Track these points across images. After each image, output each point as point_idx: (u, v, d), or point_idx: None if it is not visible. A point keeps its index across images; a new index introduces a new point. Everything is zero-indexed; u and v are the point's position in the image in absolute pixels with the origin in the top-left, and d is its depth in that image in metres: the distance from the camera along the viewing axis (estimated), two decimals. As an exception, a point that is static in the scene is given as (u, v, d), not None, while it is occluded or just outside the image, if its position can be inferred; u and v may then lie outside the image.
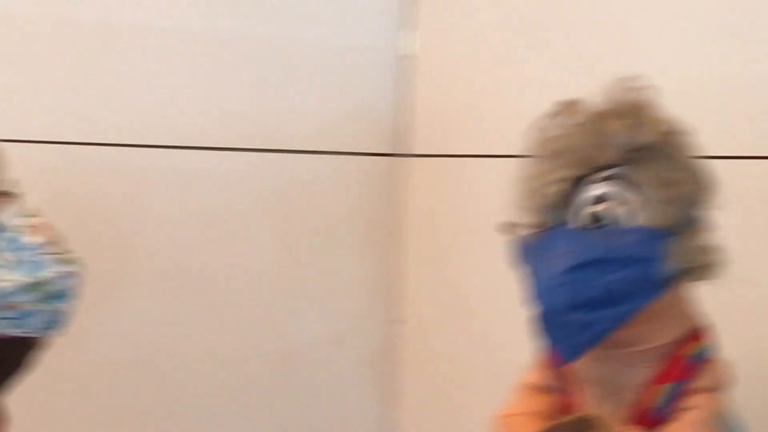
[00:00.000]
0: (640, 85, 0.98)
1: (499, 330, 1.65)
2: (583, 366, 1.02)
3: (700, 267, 0.97)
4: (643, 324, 0.98)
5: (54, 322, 1.15)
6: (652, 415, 1.00)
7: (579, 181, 0.98)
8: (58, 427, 1.61)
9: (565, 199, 0.99)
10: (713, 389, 0.99)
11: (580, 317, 0.96)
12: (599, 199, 0.97)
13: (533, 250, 1.00)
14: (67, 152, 1.57)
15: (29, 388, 1.23)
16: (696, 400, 0.98)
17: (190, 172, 1.67)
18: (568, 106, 1.00)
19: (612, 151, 0.96)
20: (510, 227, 1.02)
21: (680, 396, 0.99)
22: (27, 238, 1.14)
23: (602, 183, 0.97)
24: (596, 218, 0.97)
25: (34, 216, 1.17)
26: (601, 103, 0.99)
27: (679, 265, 0.95)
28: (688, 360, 0.99)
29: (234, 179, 1.70)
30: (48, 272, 1.13)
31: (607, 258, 0.95)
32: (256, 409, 1.76)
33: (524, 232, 1.01)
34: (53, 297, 1.14)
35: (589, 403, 1.04)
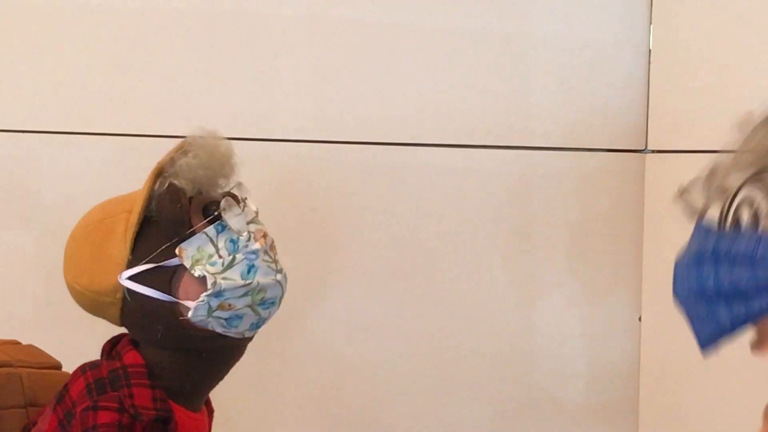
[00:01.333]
0: None
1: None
2: None
3: None
4: None
5: (257, 327, 1.21)
6: None
7: (750, 180, 0.94)
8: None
9: (722, 195, 0.96)
10: None
11: (698, 309, 0.95)
12: (741, 201, 0.94)
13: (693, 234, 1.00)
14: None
15: (234, 387, 1.29)
16: None
17: (436, 168, 1.75)
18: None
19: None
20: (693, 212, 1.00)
21: None
22: (248, 242, 1.19)
23: (751, 186, 0.94)
24: (736, 218, 0.94)
25: (255, 220, 1.22)
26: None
27: None
28: None
29: (478, 176, 1.76)
30: (262, 278, 1.19)
31: (729, 255, 0.93)
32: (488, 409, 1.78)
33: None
34: (262, 303, 1.19)
35: None
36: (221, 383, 1.24)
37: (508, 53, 1.77)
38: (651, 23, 1.75)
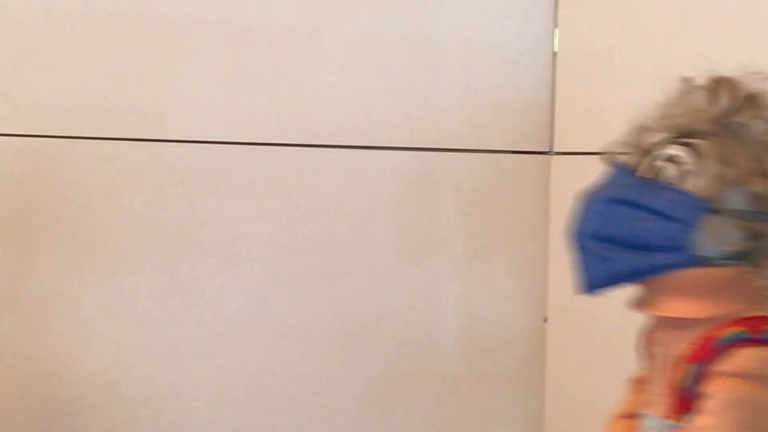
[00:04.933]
0: (761, 73, 1.02)
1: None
2: (645, 334, 1.06)
3: (748, 254, 0.98)
4: (677, 292, 0.99)
5: None
6: (685, 395, 0.99)
7: (666, 141, 1.01)
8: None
9: (646, 151, 1.02)
10: (737, 375, 0.95)
11: (600, 249, 0.99)
12: (665, 158, 1.00)
13: (599, 180, 1.06)
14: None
15: None
16: (714, 387, 0.96)
17: (344, 170, 1.75)
18: (686, 80, 1.04)
19: (699, 121, 0.99)
20: (608, 158, 1.07)
21: (702, 378, 0.97)
22: None
23: (677, 146, 0.99)
24: (655, 173, 1.00)
25: None
26: (709, 79, 1.03)
27: (717, 244, 0.96)
28: (717, 342, 0.97)
29: (383, 177, 1.76)
30: None
31: (642, 205, 0.98)
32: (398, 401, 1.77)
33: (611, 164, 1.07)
34: None
35: (647, 377, 1.07)
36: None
37: (414, 55, 1.76)
38: (556, 26, 1.75)
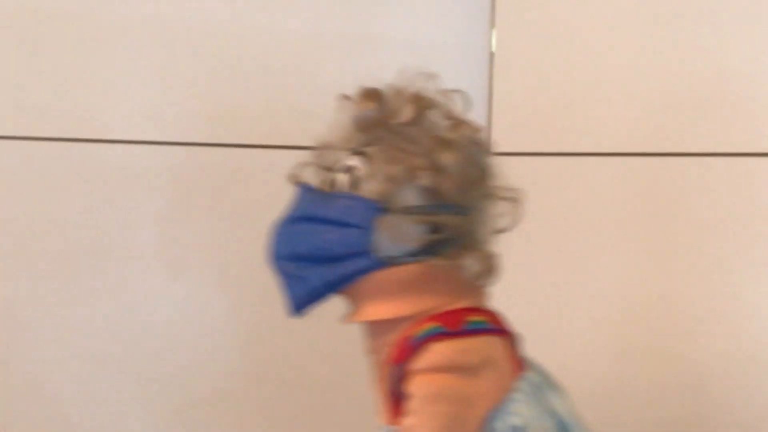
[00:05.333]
0: (425, 76, 1.06)
1: (587, 328, 1.67)
2: (364, 345, 1.06)
3: (434, 248, 1.00)
4: (370, 297, 1.01)
5: None
6: (395, 399, 1.00)
7: (344, 155, 1.04)
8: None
9: (329, 168, 1.06)
10: (431, 370, 0.97)
11: (293, 269, 1.02)
12: (341, 170, 1.03)
13: (294, 198, 1.07)
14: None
15: None
16: (413, 385, 0.98)
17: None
18: (361, 92, 1.07)
19: (364, 127, 1.03)
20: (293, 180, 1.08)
21: (402, 378, 0.98)
22: None
23: (352, 157, 1.03)
24: (332, 185, 1.03)
25: None
26: (375, 87, 1.06)
27: (398, 242, 0.99)
28: (412, 341, 0.98)
29: None
30: None
31: (319, 217, 1.01)
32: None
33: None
34: None
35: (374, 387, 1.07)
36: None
37: (349, 54, 1.76)
38: (493, 26, 1.76)
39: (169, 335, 1.70)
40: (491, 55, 1.77)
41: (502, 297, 1.74)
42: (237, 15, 1.71)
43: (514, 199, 1.09)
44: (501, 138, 1.77)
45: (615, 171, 1.64)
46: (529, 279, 1.73)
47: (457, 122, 1.06)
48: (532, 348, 1.71)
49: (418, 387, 0.98)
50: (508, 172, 1.73)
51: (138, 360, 1.69)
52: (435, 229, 1.02)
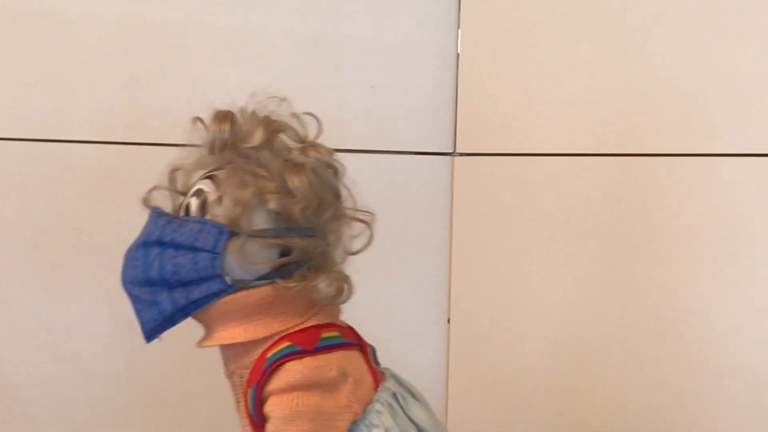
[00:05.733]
0: (278, 98, 1.08)
1: (545, 329, 1.67)
2: (224, 370, 1.06)
3: (285, 270, 1.01)
4: (223, 320, 1.01)
5: None
6: (255, 422, 1.00)
7: (197, 179, 1.04)
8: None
9: (181, 192, 1.06)
10: (285, 390, 0.97)
11: (144, 294, 1.00)
12: (192, 194, 1.02)
13: (146, 222, 1.06)
14: None
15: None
16: (269, 406, 0.98)
17: None
18: (213, 115, 1.06)
19: (214, 150, 1.02)
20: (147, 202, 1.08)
21: (259, 401, 0.99)
22: None
23: (203, 181, 1.02)
24: (185, 209, 1.02)
25: None
26: (228, 110, 1.05)
27: (247, 266, 0.99)
28: (266, 362, 0.99)
29: None
30: None
31: (170, 242, 0.99)
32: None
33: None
34: None
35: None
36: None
37: (315, 54, 1.76)
38: (459, 27, 1.77)
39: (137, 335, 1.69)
40: (457, 56, 1.78)
41: (463, 296, 1.77)
42: (204, 13, 1.70)
43: (367, 221, 1.10)
44: (466, 138, 1.79)
45: (578, 171, 1.65)
46: (491, 278, 1.74)
47: (308, 145, 1.06)
48: (498, 343, 1.73)
49: (276, 408, 0.98)
50: (473, 172, 1.76)
51: (105, 359, 1.68)
52: (285, 251, 1.02)
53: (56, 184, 1.63)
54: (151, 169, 1.10)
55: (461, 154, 1.78)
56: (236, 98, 1.10)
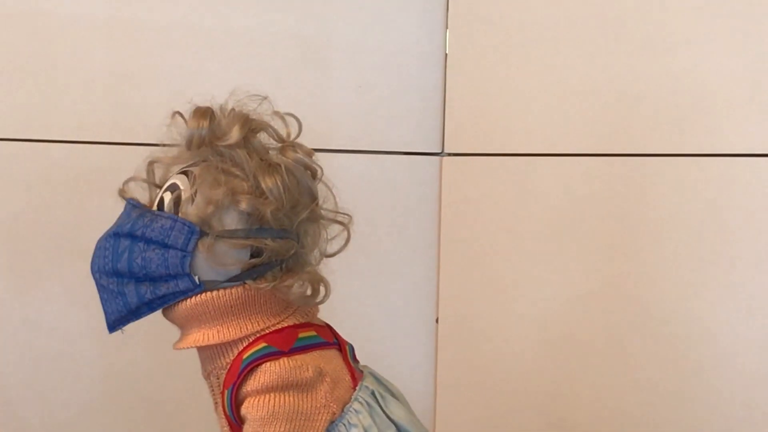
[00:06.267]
0: (259, 96, 1.07)
1: (534, 329, 1.67)
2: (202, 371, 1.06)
3: (257, 271, 1.00)
4: (194, 321, 1.00)
5: None
6: (233, 423, 1.01)
7: (173, 173, 1.04)
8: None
9: (157, 185, 1.06)
10: (261, 392, 0.97)
11: (111, 284, 1.00)
12: (167, 188, 1.02)
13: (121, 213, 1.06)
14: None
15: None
16: (245, 408, 0.98)
17: None
18: (193, 110, 1.06)
19: (192, 146, 1.02)
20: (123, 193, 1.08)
21: (236, 402, 0.99)
22: None
23: (178, 176, 1.02)
24: (159, 204, 1.02)
25: None
26: (208, 106, 1.05)
27: (218, 266, 0.99)
28: (242, 364, 0.99)
29: None
30: None
31: (140, 235, 0.99)
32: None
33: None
34: None
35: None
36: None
37: (303, 55, 1.75)
38: (447, 28, 1.77)
39: (120, 335, 1.69)
40: (445, 56, 1.78)
41: (451, 296, 1.77)
42: (191, 13, 1.70)
43: (344, 222, 1.09)
44: (454, 139, 1.79)
45: (566, 172, 1.65)
46: (479, 278, 1.74)
47: (286, 146, 1.06)
48: (486, 342, 1.73)
49: (252, 409, 0.98)
50: (461, 172, 1.76)
51: (90, 359, 1.68)
52: (257, 252, 1.02)
53: (40, 184, 1.63)
54: (127, 169, 1.10)
55: (449, 154, 1.78)
56: (198, 101, 1.09)
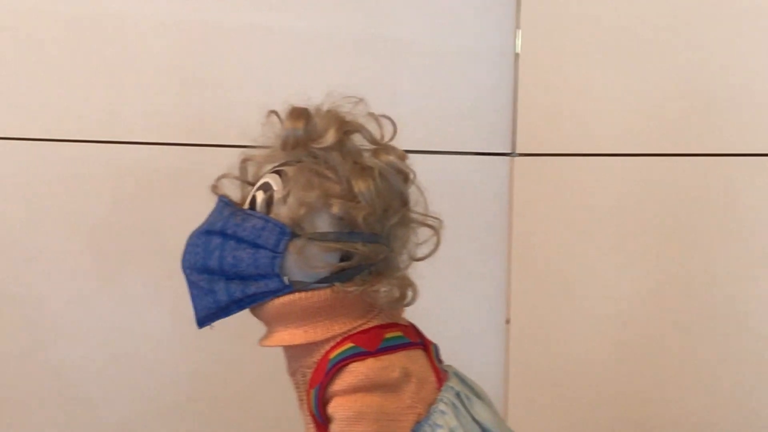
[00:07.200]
0: (354, 98, 1.07)
1: (605, 330, 1.66)
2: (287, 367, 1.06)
3: (344, 274, 1.00)
4: (282, 321, 1.01)
5: None
6: (319, 422, 1.01)
7: (265, 171, 1.04)
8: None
9: (249, 183, 1.06)
10: (348, 392, 0.97)
11: (201, 281, 1.01)
12: (259, 187, 1.02)
13: (213, 209, 1.07)
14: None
15: None
16: (332, 407, 0.98)
17: None
18: (289, 110, 1.05)
19: (287, 146, 1.01)
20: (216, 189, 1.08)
21: (322, 402, 0.99)
22: None
23: (271, 175, 1.02)
24: (251, 202, 1.02)
25: None
26: (304, 107, 1.05)
27: (307, 268, 0.99)
28: (329, 364, 0.98)
29: None
30: None
31: (232, 234, 1.00)
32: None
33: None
34: None
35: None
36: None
37: (374, 56, 1.76)
38: (518, 27, 1.76)
39: (190, 335, 1.71)
40: (516, 56, 1.77)
41: (522, 297, 1.76)
42: (260, 16, 1.71)
43: (434, 226, 1.08)
44: (525, 139, 1.78)
45: (639, 171, 1.64)
46: (550, 278, 1.73)
47: (380, 148, 1.05)
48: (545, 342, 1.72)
49: (339, 409, 0.98)
50: (532, 173, 1.76)
51: (164, 359, 1.70)
52: (346, 256, 1.01)
53: (116, 185, 1.65)
54: (210, 170, 1.11)
55: (520, 155, 1.77)
56: (291, 101, 1.10)
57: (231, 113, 1.68)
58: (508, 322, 1.78)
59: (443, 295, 1.76)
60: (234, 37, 1.70)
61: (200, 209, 1.10)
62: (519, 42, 1.77)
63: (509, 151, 1.78)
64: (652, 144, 1.64)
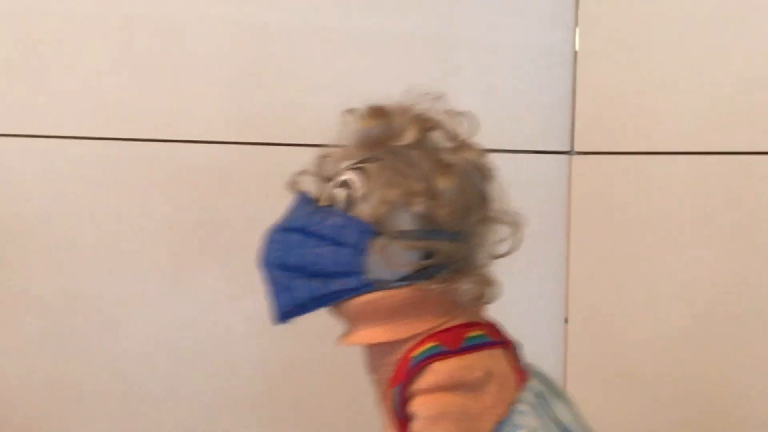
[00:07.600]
0: (433, 95, 1.07)
1: (664, 329, 1.66)
2: (366, 364, 1.06)
3: (426, 273, 0.99)
4: (363, 319, 0.99)
5: None
6: (399, 420, 1.00)
7: (343, 168, 1.03)
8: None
9: (328, 179, 1.05)
10: (432, 390, 0.96)
11: (282, 278, 1.00)
12: (339, 184, 1.01)
13: (291, 206, 1.06)
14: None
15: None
16: (415, 406, 0.97)
17: None
18: (367, 109, 1.05)
19: (366, 144, 1.01)
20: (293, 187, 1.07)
21: (403, 400, 0.98)
22: None
23: (351, 172, 1.01)
24: (331, 199, 1.02)
25: None
26: (382, 105, 1.04)
27: (389, 266, 0.98)
28: (412, 362, 0.98)
29: None
30: None
31: (312, 231, 0.99)
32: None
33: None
34: None
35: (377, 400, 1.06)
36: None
37: (433, 55, 1.76)
38: (577, 25, 1.75)
39: (248, 334, 1.72)
40: (575, 54, 1.76)
41: (581, 295, 1.75)
42: (321, 15, 1.72)
43: (514, 223, 1.07)
44: (584, 137, 1.77)
45: (699, 170, 1.63)
46: (609, 277, 1.72)
47: (460, 145, 1.04)
48: (610, 338, 1.71)
49: (421, 408, 0.98)
50: (591, 171, 1.75)
51: (223, 356, 1.71)
52: (428, 254, 1.01)
53: (177, 183, 1.66)
54: (284, 169, 1.11)
55: (579, 153, 1.76)
56: (352, 101, 1.09)
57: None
58: (566, 321, 1.77)
59: (502, 294, 1.76)
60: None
61: (274, 207, 1.10)
62: (577, 40, 1.76)
63: (568, 149, 1.77)
64: (713, 142, 1.63)
